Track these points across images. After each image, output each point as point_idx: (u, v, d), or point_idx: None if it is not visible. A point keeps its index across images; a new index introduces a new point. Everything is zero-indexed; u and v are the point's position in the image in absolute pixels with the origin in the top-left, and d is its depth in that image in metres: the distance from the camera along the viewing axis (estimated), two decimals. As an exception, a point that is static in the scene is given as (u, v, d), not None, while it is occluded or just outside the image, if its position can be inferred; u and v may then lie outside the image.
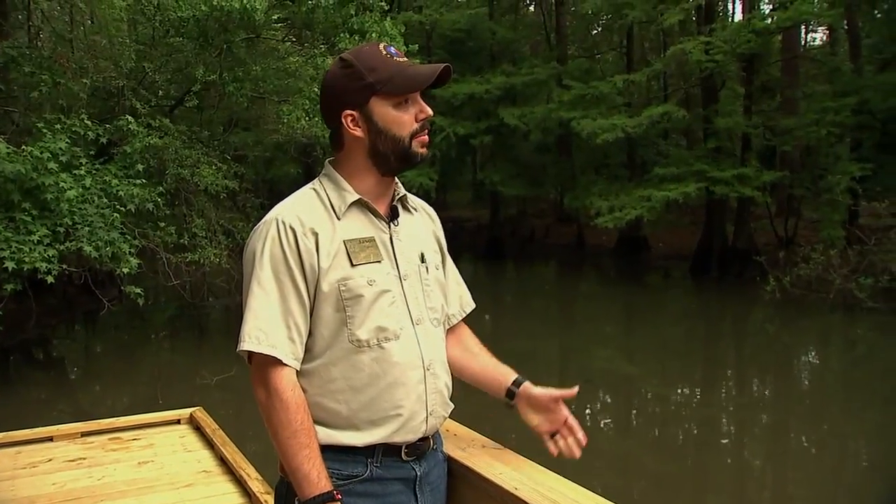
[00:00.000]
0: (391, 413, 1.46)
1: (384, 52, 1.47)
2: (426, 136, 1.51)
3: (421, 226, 1.64)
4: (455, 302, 1.72)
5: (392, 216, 1.55)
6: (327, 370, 1.45)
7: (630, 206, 15.63)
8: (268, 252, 1.42)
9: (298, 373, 1.45)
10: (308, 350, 1.46)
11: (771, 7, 17.14)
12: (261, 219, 1.51)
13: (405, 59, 1.49)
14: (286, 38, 11.02)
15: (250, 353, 1.42)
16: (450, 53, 22.44)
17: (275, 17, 10.24)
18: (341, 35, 10.08)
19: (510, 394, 1.64)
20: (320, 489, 1.37)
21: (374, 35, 9.98)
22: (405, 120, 1.48)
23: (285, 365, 1.41)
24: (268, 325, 1.40)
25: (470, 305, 1.76)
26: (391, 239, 1.52)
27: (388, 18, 10.81)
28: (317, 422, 1.44)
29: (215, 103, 11.05)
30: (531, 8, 29.37)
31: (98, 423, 3.98)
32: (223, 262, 9.85)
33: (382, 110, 1.46)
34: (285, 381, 1.40)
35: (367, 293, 1.44)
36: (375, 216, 1.51)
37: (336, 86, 1.48)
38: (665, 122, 17.92)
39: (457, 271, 1.76)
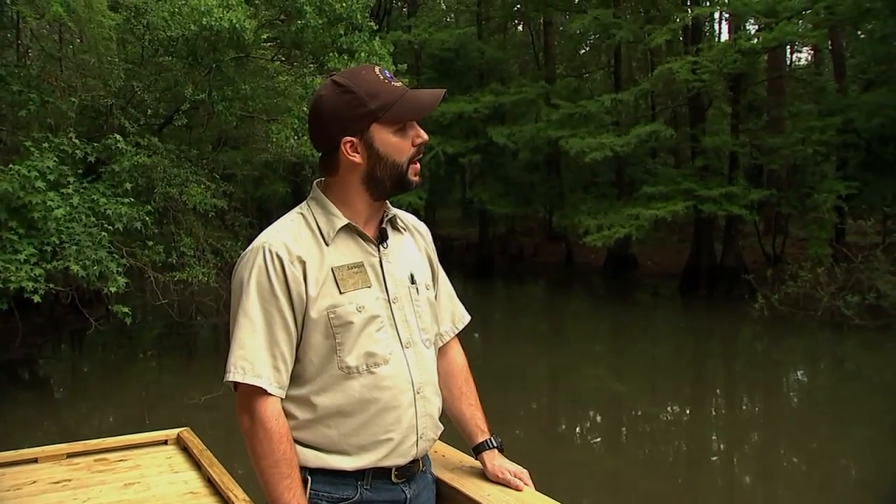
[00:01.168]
0: (381, 438, 1.46)
1: (382, 77, 1.46)
2: (419, 165, 1.52)
3: (411, 245, 1.63)
4: (447, 318, 1.72)
5: (381, 238, 1.54)
6: (318, 396, 1.44)
7: (618, 224, 15.64)
8: (254, 281, 1.42)
9: (289, 399, 1.45)
10: (298, 377, 1.45)
11: (756, 27, 17.31)
12: (250, 238, 1.52)
13: (400, 83, 1.49)
14: (275, 58, 11.05)
15: (236, 383, 1.42)
16: (438, 73, 22.55)
17: (264, 36, 10.28)
18: (330, 55, 10.13)
19: (475, 450, 1.69)
20: None
21: (362, 55, 10.02)
22: (404, 146, 1.48)
23: (270, 394, 1.41)
24: (253, 356, 1.40)
25: (463, 320, 1.76)
26: (380, 262, 1.51)
27: (377, 38, 10.87)
28: (307, 445, 1.44)
29: (204, 122, 11.05)
30: (520, 27, 29.59)
31: (84, 443, 3.92)
32: (211, 281, 9.82)
33: (383, 137, 1.45)
34: (270, 410, 1.40)
35: (356, 320, 1.43)
36: (364, 240, 1.50)
37: (335, 112, 1.45)
38: (653, 141, 17.97)
39: (450, 286, 1.76)
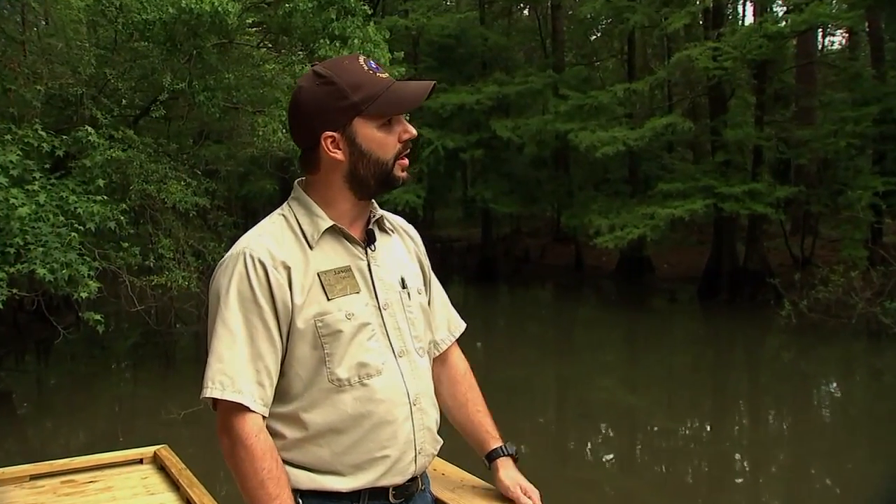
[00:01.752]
0: (377, 455, 1.45)
1: (366, 68, 1.45)
2: (407, 160, 1.51)
3: (400, 248, 1.62)
4: (442, 326, 1.72)
5: (368, 241, 1.53)
6: (307, 413, 1.43)
7: (632, 224, 15.65)
8: (234, 289, 1.40)
9: (275, 417, 1.43)
10: (284, 392, 1.44)
11: (785, 9, 17.27)
12: (234, 239, 1.51)
13: (386, 73, 1.48)
14: (261, 44, 11.01)
15: (215, 400, 1.40)
16: (438, 61, 22.58)
17: (249, 20, 10.24)
18: (321, 41, 10.08)
19: (488, 458, 1.69)
20: None
21: (356, 41, 9.99)
22: (389, 142, 1.47)
23: (252, 411, 1.39)
24: (233, 370, 1.38)
25: (459, 328, 1.76)
26: (369, 266, 1.50)
27: (372, 24, 10.83)
28: (298, 466, 1.43)
29: (184, 114, 11.01)
30: (525, 12, 29.59)
31: (50, 464, 3.89)
32: (192, 286, 9.77)
33: (366, 132, 1.44)
34: (249, 427, 1.38)
35: (345, 328, 1.42)
36: (351, 242, 1.50)
37: (315, 104, 1.44)
38: (669, 135, 18.00)
39: (443, 292, 1.75)
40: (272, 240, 1.44)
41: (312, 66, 1.49)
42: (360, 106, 1.42)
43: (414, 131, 1.50)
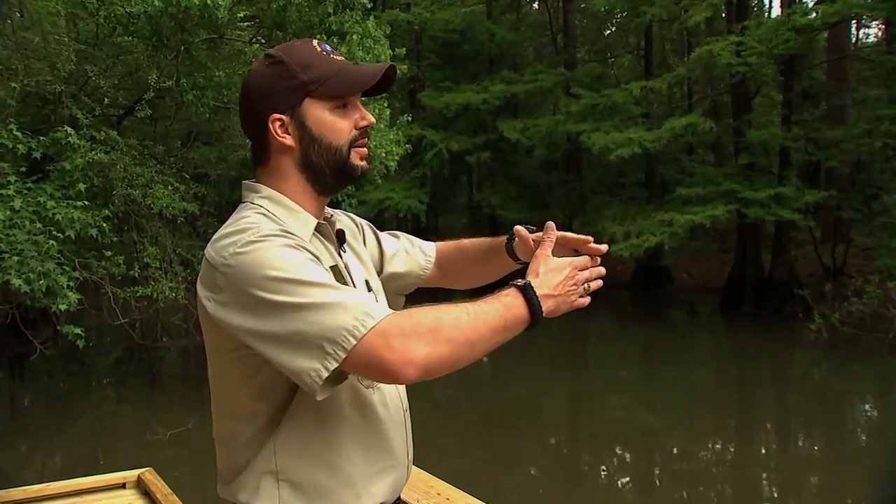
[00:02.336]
0: (388, 464, 1.47)
1: (319, 49, 1.45)
2: (365, 148, 1.50)
3: (358, 249, 1.65)
4: (419, 256, 1.85)
5: (340, 241, 1.54)
6: (307, 426, 1.39)
7: (649, 231, 15.65)
8: (286, 252, 1.29)
9: (269, 434, 1.38)
10: (280, 406, 1.38)
11: (815, 0, 17.25)
12: None
13: (342, 57, 1.48)
14: (254, 40, 11.04)
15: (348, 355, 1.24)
16: (442, 58, 22.63)
17: (241, 14, 10.26)
18: (318, 36, 10.05)
19: (509, 247, 1.79)
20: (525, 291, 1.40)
21: (355, 37, 10.02)
22: (343, 126, 1.45)
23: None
24: (346, 304, 1.25)
25: (431, 248, 1.89)
26: (347, 267, 1.51)
27: (371, 18, 10.85)
28: (303, 486, 1.39)
29: (171, 113, 11.04)
30: (535, 5, 29.71)
31: (24, 490, 3.87)
32: (180, 298, 9.75)
33: (317, 114, 1.43)
34: (400, 321, 1.26)
35: None
36: (330, 242, 1.50)
37: (262, 85, 1.43)
38: (689, 136, 18.00)
39: (400, 234, 1.89)
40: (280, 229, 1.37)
41: (267, 51, 1.50)
42: (309, 85, 1.41)
43: (372, 118, 1.49)
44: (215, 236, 1.37)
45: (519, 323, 1.36)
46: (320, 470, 1.39)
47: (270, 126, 1.42)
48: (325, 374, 1.23)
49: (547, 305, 1.39)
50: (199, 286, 1.36)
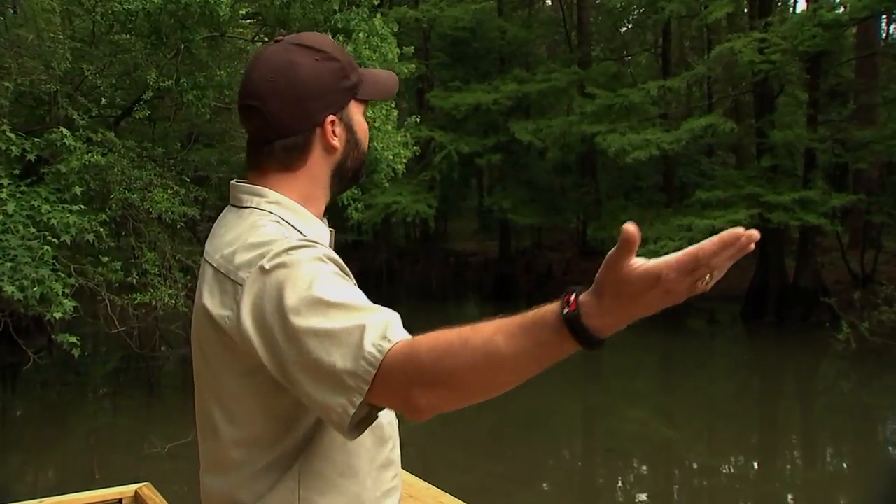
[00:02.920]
0: (393, 485, 1.46)
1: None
2: None
3: None
4: None
5: None
6: (331, 452, 1.34)
7: (667, 236, 15.60)
8: (317, 264, 1.24)
9: (290, 462, 1.32)
10: (307, 431, 1.33)
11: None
12: None
13: None
14: (257, 38, 11.07)
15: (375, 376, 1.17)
16: (451, 57, 22.67)
17: (243, 12, 10.30)
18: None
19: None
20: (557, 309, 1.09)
21: (361, 35, 10.04)
22: (367, 131, 1.48)
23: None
24: (374, 323, 1.17)
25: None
26: None
27: (378, 15, 10.87)
28: None
29: (171, 114, 11.05)
30: (548, 2, 29.74)
31: (16, 504, 3.87)
32: (180, 305, 9.75)
33: (357, 117, 1.45)
34: (421, 342, 1.15)
35: None
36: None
37: (317, 83, 1.38)
38: (709, 137, 17.97)
39: None
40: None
41: (283, 39, 1.42)
42: (356, 88, 1.42)
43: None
44: (229, 247, 1.30)
45: (559, 355, 1.10)
46: (341, 498, 1.35)
47: (327, 127, 1.40)
48: (352, 411, 1.15)
49: (606, 323, 1.06)
50: (207, 301, 1.29)
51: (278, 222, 1.34)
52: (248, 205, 1.38)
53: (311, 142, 1.41)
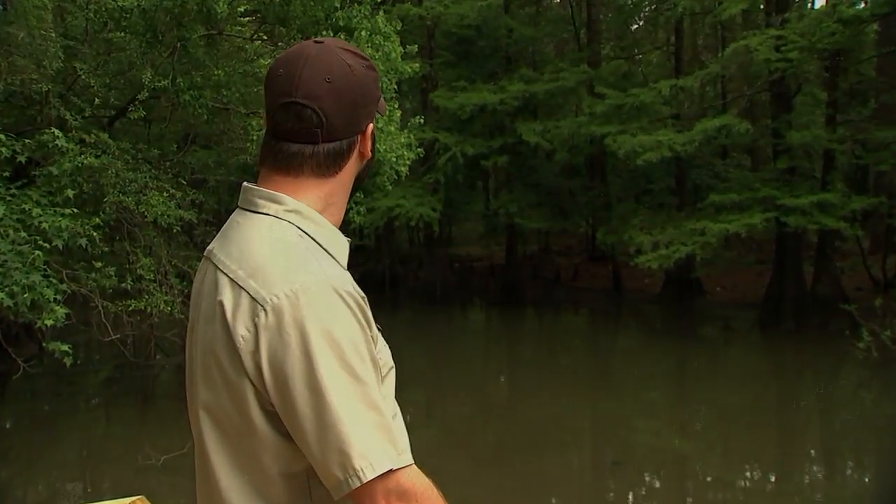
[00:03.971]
0: None
1: None
2: None
3: None
4: None
5: None
6: None
7: (679, 241, 15.60)
8: (354, 328, 1.27)
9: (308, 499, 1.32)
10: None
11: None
12: None
13: None
14: (255, 36, 11.08)
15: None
16: (456, 55, 22.69)
17: (241, 9, 10.31)
18: (324, 33, 10.12)
19: None
20: None
21: (363, 33, 10.03)
22: None
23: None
24: (388, 428, 1.27)
25: None
26: None
27: (381, 13, 10.87)
28: None
29: (167, 115, 11.09)
30: (556, -1, 29.73)
31: (4, 518, 3.85)
32: (176, 312, 9.74)
33: (374, 130, 1.48)
34: (423, 477, 1.30)
35: (392, 376, 1.44)
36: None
37: (365, 90, 1.42)
38: (723, 138, 17.92)
39: None
40: (339, 270, 1.33)
41: (326, 41, 1.42)
42: (380, 99, 1.47)
43: None
44: (250, 260, 1.30)
45: None
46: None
47: (367, 135, 1.45)
48: (345, 491, 1.22)
49: None
50: (227, 303, 1.28)
51: (301, 236, 1.34)
52: (265, 211, 1.36)
53: (353, 148, 1.43)
